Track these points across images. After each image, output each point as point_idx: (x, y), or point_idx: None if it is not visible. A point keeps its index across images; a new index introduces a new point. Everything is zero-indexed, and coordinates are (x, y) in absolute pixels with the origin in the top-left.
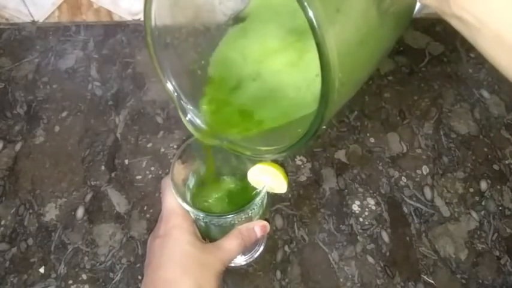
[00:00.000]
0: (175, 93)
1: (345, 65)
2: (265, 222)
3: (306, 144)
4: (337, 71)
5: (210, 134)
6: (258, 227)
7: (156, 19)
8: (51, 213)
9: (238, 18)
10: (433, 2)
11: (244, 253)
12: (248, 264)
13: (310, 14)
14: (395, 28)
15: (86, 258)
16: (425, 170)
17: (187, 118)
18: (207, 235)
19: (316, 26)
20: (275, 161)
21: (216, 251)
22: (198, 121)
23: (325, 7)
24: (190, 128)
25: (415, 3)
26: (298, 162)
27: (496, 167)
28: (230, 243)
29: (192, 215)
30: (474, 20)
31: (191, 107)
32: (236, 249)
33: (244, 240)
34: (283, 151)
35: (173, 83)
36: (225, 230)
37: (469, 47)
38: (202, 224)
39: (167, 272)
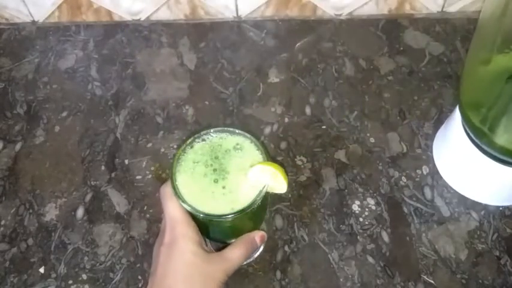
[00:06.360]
0: None
1: None
2: (264, 233)
3: None
4: None
5: None
6: (258, 237)
7: None
8: (51, 213)
9: None
10: None
11: None
12: (248, 264)
13: None
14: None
15: (86, 258)
16: (425, 170)
17: None
18: (206, 235)
19: None
20: (275, 161)
21: (221, 261)
22: None
23: None
24: None
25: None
26: (298, 162)
27: None
28: (234, 253)
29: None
30: None
31: None
32: (240, 259)
33: (247, 250)
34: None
35: None
36: (225, 230)
37: (469, 47)
38: (202, 223)
39: (172, 283)
